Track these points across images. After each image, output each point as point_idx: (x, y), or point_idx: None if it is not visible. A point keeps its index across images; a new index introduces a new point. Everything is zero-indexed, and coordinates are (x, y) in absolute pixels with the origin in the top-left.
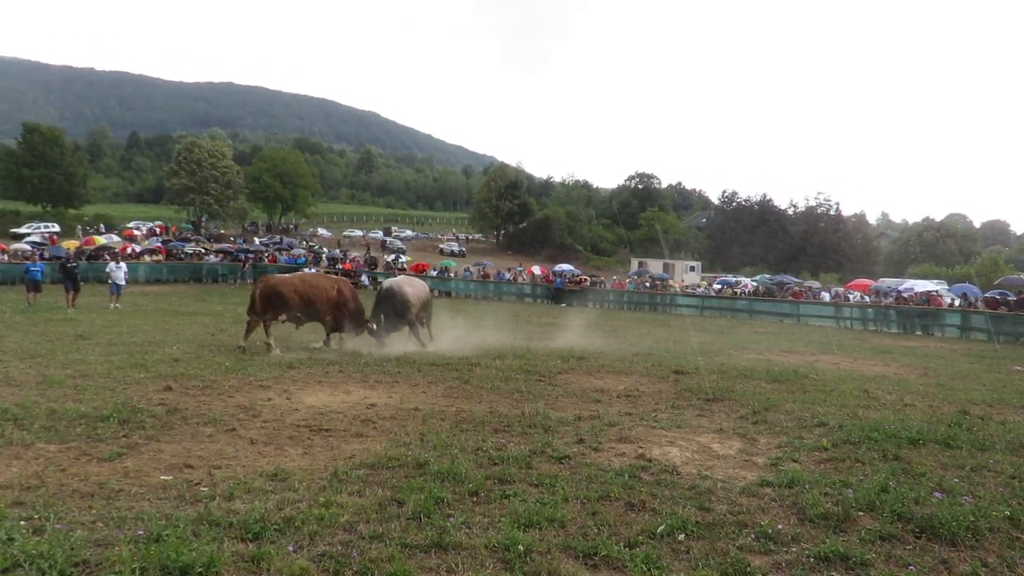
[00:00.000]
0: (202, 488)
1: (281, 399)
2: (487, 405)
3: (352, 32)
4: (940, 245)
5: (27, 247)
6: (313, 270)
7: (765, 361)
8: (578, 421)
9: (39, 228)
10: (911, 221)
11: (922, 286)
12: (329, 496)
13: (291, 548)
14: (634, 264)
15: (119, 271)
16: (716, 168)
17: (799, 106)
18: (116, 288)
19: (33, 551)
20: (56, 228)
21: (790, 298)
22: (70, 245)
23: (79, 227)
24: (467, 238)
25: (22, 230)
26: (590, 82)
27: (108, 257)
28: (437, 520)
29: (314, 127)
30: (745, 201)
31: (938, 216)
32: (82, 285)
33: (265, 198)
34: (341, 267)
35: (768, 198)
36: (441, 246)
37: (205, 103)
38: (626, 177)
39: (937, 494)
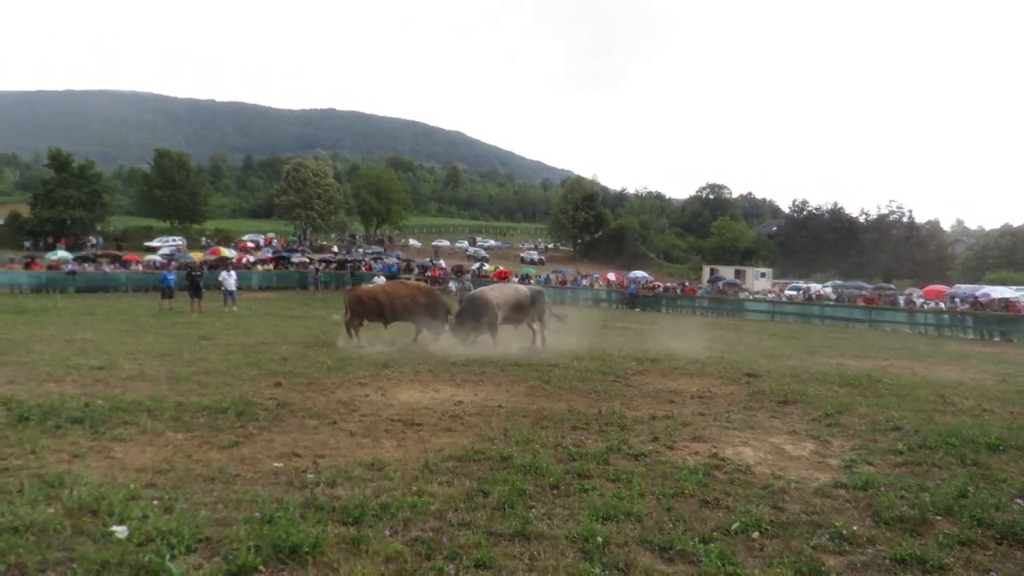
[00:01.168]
0: (308, 475)
1: (377, 396)
2: (566, 404)
3: (440, 58)
4: (1019, 251)
5: (159, 258)
6: (407, 277)
7: (838, 365)
8: (653, 420)
9: (168, 241)
10: (988, 228)
11: (1000, 292)
12: (421, 485)
13: (387, 532)
14: (706, 271)
15: (230, 279)
16: (787, 178)
17: (871, 116)
18: (228, 294)
19: (164, 528)
20: (182, 241)
21: (862, 303)
22: (196, 256)
23: (204, 239)
24: (546, 247)
25: (154, 243)
26: (663, 96)
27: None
28: (520, 511)
29: (406, 147)
30: (816, 210)
31: (1016, 222)
32: (204, 292)
33: (362, 212)
34: (430, 274)
35: (839, 206)
36: (521, 254)
37: (310, 127)
38: (698, 188)
39: (1019, 501)
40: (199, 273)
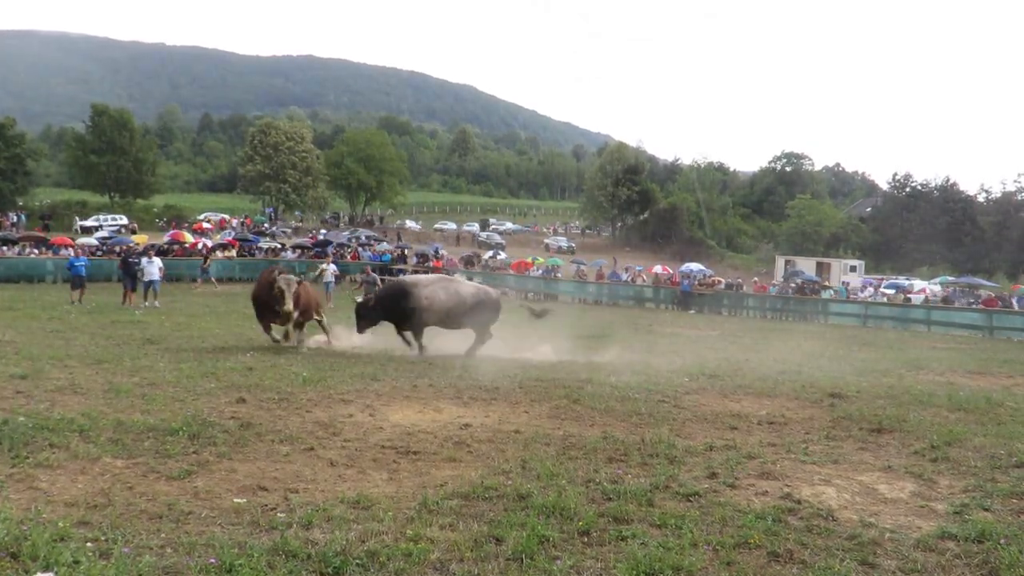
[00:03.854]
0: (278, 514)
1: (364, 415)
2: (600, 429)
3: None
4: None
5: (95, 241)
6: (403, 267)
7: (947, 384)
8: (709, 451)
9: (108, 221)
10: None
11: None
12: (418, 529)
13: None
14: (780, 263)
15: (152, 266)
16: (884, 146)
17: (994, 68)
18: (148, 285)
19: None
20: (124, 220)
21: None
22: (140, 239)
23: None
24: (582, 230)
25: (90, 223)
26: (725, 43)
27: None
28: (541, 562)
29: (402, 104)
30: (922, 186)
31: None
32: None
33: (347, 186)
34: (431, 265)
35: (951, 182)
36: (547, 241)
37: (282, 79)
38: (770, 158)
39: None
40: (136, 260)
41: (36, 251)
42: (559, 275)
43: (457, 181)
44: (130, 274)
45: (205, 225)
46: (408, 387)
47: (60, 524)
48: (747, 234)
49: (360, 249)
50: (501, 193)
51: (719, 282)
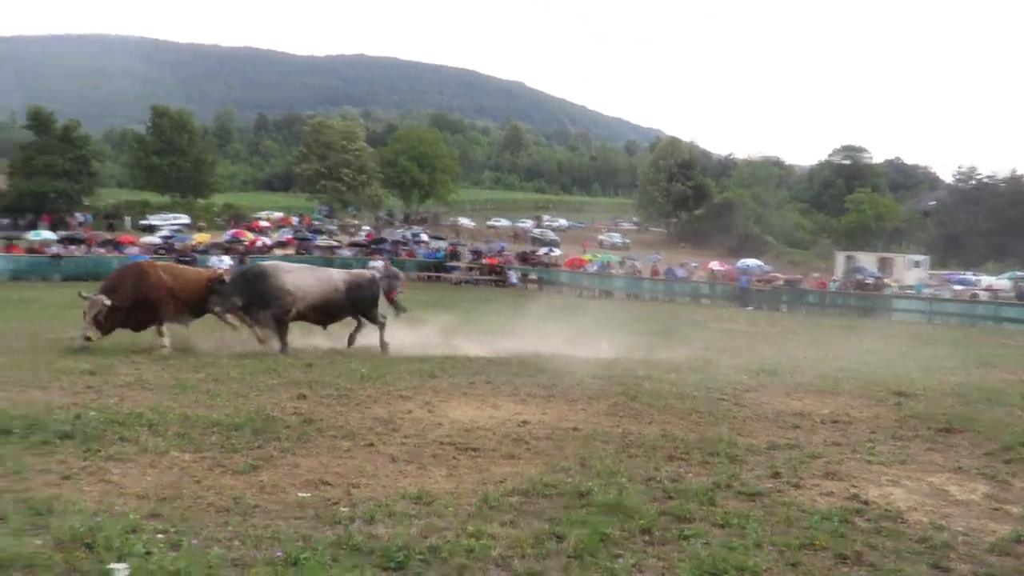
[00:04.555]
0: (341, 508)
1: (423, 412)
2: (659, 427)
3: None
4: None
5: (158, 240)
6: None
7: (1019, 383)
8: (772, 450)
9: (169, 220)
10: None
11: None
12: (479, 525)
13: None
14: (840, 258)
15: (222, 265)
16: (946, 139)
17: None
18: None
19: (170, 567)
20: (186, 219)
21: None
22: (202, 238)
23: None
24: (638, 226)
25: (152, 221)
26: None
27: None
28: (603, 560)
29: (453, 101)
30: (988, 178)
31: None
32: None
33: (401, 184)
34: (485, 262)
35: (1019, 174)
36: (601, 237)
37: (335, 78)
38: (829, 152)
39: None
40: (189, 259)
41: (103, 249)
42: (613, 271)
43: (509, 178)
44: None
45: (263, 223)
46: (465, 384)
47: (132, 516)
48: (805, 229)
49: (416, 247)
50: (554, 189)
51: (777, 278)
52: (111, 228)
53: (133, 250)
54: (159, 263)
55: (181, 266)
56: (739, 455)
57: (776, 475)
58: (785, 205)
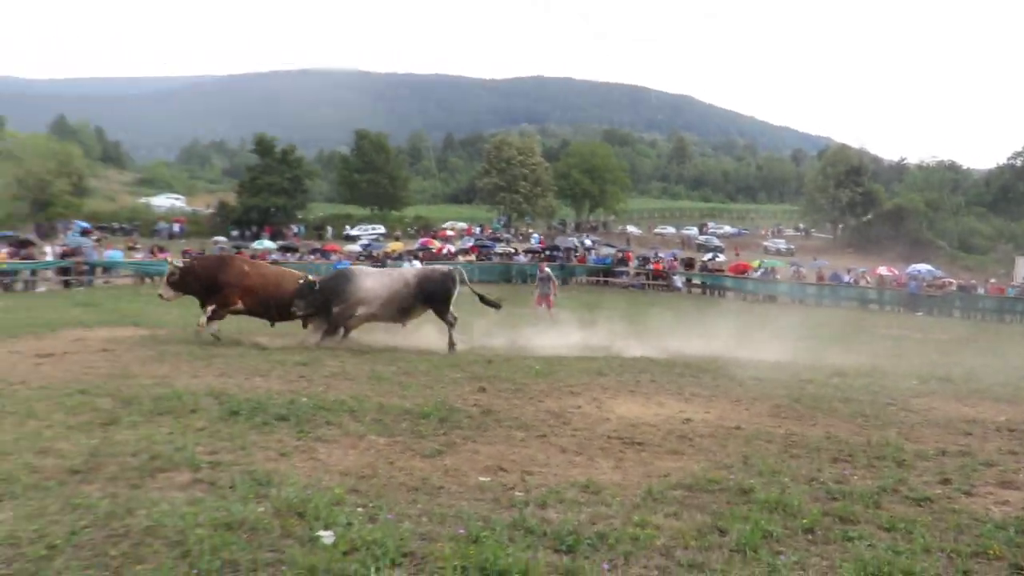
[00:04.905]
0: (516, 493)
1: (591, 407)
2: (823, 429)
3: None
4: None
5: (358, 248)
6: (623, 270)
7: None
8: (941, 456)
9: (367, 230)
10: None
11: None
12: (643, 515)
13: (605, 566)
14: (1020, 264)
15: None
16: None
17: None
18: None
19: (368, 538)
20: (383, 229)
21: None
22: (396, 246)
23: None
24: (805, 232)
25: (353, 232)
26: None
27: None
28: (765, 555)
29: (623, 116)
30: None
31: None
32: None
33: (573, 195)
34: (651, 268)
35: None
36: (765, 243)
37: (516, 98)
38: (1009, 154)
39: None
40: (381, 263)
41: (312, 256)
42: (778, 276)
43: (676, 188)
44: None
45: (448, 233)
46: (632, 382)
47: (336, 490)
48: (982, 234)
49: (587, 253)
50: (719, 198)
51: (950, 283)
52: (319, 238)
53: (336, 257)
54: (252, 260)
55: (272, 266)
56: (907, 460)
57: (946, 481)
58: (960, 210)
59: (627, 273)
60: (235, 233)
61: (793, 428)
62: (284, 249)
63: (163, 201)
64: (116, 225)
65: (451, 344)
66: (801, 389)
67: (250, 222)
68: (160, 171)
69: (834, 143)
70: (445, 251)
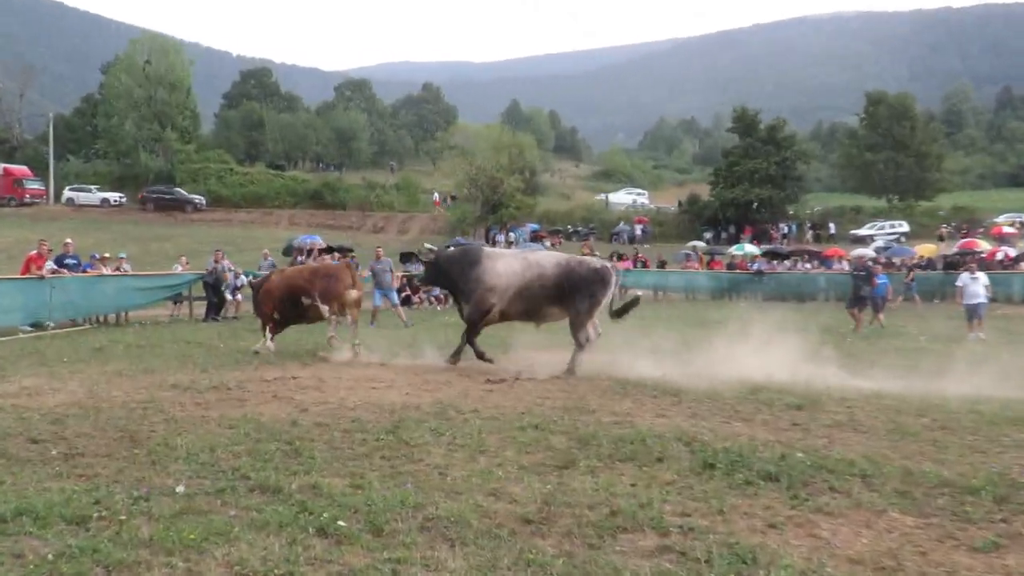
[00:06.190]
0: None
1: None
2: None
3: None
4: None
5: (870, 252)
6: None
7: None
8: None
9: (884, 228)
10: None
11: None
12: None
13: None
14: None
15: (976, 284)
16: None
17: None
18: (971, 309)
19: None
20: (905, 227)
21: None
22: (927, 251)
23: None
24: None
25: (863, 231)
26: None
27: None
28: None
29: None
30: None
31: None
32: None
33: None
34: None
35: None
36: None
37: None
38: None
39: None
40: (862, 272)
41: (808, 264)
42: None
43: None
44: (857, 295)
45: (1007, 229)
46: None
47: None
48: None
49: None
50: None
51: None
52: (816, 239)
53: (842, 266)
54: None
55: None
56: None
57: None
58: None
59: None
60: (708, 235)
61: None
62: (771, 255)
63: (623, 197)
64: (571, 228)
65: (570, 369)
66: None
67: (726, 220)
68: (619, 160)
69: None
70: (1000, 255)
